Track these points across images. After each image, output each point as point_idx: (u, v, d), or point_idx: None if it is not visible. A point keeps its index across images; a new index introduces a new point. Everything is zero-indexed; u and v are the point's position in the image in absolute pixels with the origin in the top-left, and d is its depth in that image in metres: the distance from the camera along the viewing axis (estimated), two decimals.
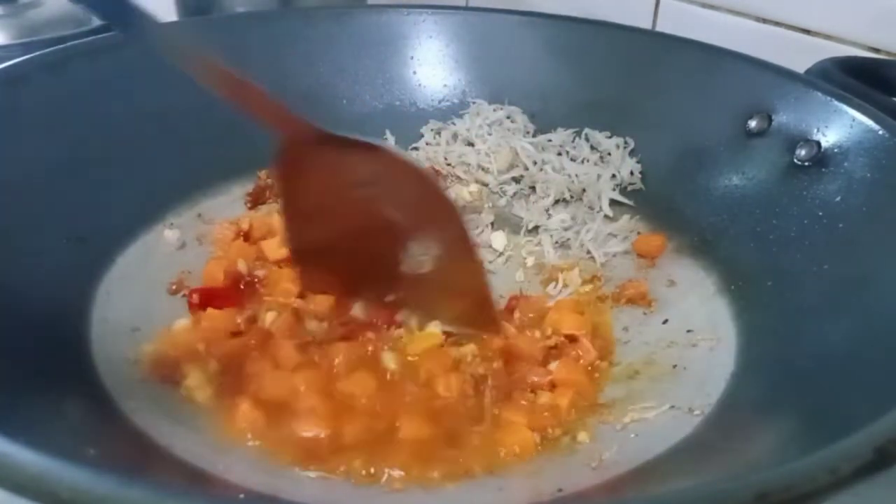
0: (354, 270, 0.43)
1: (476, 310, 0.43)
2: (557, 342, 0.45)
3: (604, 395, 0.43)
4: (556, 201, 0.60)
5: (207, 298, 0.48)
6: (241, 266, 0.50)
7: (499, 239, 0.56)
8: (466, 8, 0.72)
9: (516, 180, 0.61)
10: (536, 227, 0.58)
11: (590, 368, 0.45)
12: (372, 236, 0.42)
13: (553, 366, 0.44)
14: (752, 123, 0.54)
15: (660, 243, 0.55)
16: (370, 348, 0.44)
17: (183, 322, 0.46)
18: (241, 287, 0.50)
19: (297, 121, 0.40)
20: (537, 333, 0.46)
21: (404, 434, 0.39)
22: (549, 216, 0.59)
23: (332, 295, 0.46)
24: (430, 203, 0.40)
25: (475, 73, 0.67)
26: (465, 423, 0.41)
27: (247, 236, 0.54)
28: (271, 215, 0.57)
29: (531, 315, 0.48)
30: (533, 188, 0.61)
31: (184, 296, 0.49)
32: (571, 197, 0.60)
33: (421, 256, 0.40)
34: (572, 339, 0.46)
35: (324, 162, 0.40)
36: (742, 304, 0.47)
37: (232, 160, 0.59)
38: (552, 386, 0.43)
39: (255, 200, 0.59)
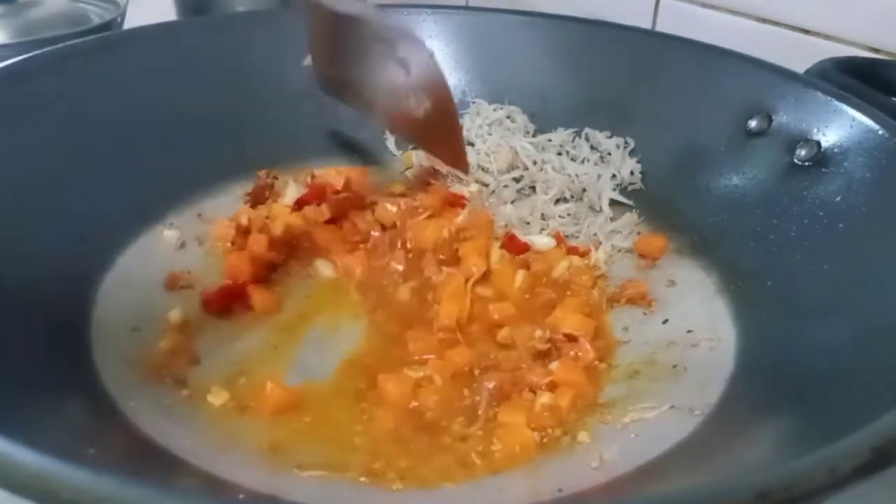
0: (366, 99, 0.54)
1: (450, 148, 0.54)
2: (555, 341, 0.45)
3: (604, 395, 0.43)
4: (557, 201, 0.60)
5: (228, 297, 0.49)
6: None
7: (544, 241, 0.56)
8: (466, 8, 0.72)
9: (516, 180, 0.61)
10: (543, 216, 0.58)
11: (589, 369, 0.45)
12: (380, 80, 0.52)
13: (553, 365, 0.44)
14: (752, 123, 0.54)
15: (662, 244, 0.55)
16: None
17: (176, 312, 0.47)
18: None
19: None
20: (538, 332, 0.46)
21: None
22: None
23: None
24: (424, 71, 0.50)
25: (475, 73, 0.67)
26: (464, 422, 0.41)
27: (246, 231, 0.54)
28: (269, 209, 0.57)
29: (542, 266, 0.52)
30: (533, 188, 0.61)
31: (182, 287, 0.50)
32: (572, 197, 0.60)
33: (416, 104, 0.50)
34: (572, 338, 0.46)
35: (338, 27, 0.51)
36: (742, 304, 0.47)
37: (232, 160, 0.59)
38: (552, 386, 0.43)
39: (256, 200, 0.59)
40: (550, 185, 0.60)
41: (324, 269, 0.53)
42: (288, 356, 0.46)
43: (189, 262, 0.52)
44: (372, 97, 0.53)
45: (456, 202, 0.59)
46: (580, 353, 0.45)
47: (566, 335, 0.46)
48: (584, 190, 0.60)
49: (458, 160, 0.55)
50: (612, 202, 0.59)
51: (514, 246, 0.55)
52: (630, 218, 0.58)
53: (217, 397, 0.42)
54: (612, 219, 0.58)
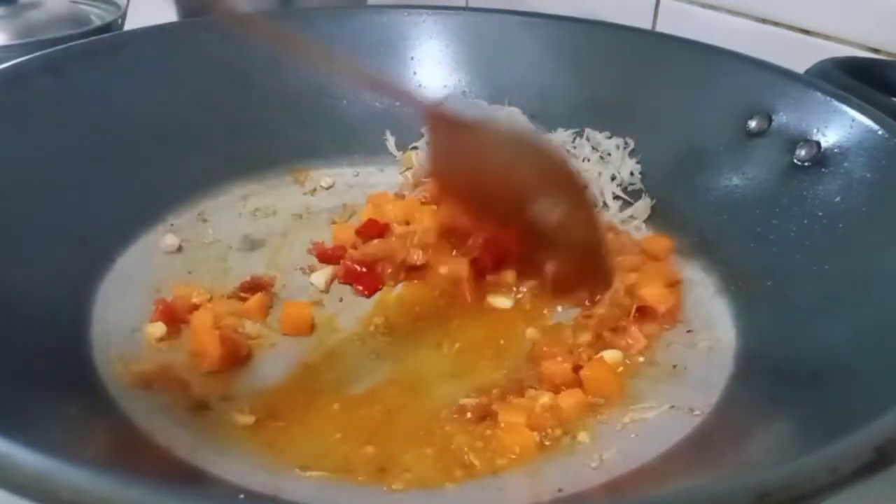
0: (488, 214, 0.50)
1: (590, 266, 0.48)
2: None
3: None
4: None
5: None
6: None
7: None
8: (466, 8, 0.72)
9: None
10: None
11: (620, 366, 0.44)
12: (505, 192, 0.47)
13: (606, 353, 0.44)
14: (752, 123, 0.54)
15: (667, 245, 0.55)
16: None
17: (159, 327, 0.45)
18: None
19: (436, 107, 0.48)
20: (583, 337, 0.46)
21: None
22: None
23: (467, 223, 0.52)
24: (556, 173, 0.46)
25: (475, 73, 0.67)
26: (464, 422, 0.41)
27: None
28: None
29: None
30: None
31: None
32: None
33: (547, 212, 0.46)
34: (645, 311, 0.47)
35: (461, 137, 0.47)
36: (742, 304, 0.47)
37: (232, 160, 0.59)
38: (576, 382, 0.43)
39: None
40: None
41: None
42: None
43: (189, 263, 0.52)
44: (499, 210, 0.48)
45: None
46: (631, 342, 0.45)
47: (640, 308, 0.46)
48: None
49: (605, 278, 0.47)
50: (615, 198, 0.59)
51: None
52: (645, 203, 0.58)
53: None
54: (622, 209, 0.58)
